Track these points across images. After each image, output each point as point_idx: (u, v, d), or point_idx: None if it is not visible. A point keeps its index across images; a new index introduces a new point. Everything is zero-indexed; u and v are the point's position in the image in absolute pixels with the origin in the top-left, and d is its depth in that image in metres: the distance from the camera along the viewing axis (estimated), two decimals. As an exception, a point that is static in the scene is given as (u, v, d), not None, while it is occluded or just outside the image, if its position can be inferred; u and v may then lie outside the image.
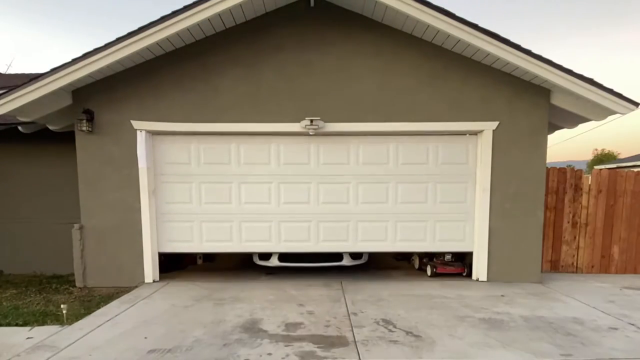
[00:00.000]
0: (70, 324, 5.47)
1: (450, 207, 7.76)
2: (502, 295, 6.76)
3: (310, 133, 7.29)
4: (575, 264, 8.57)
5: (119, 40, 6.48)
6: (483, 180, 7.49)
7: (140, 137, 7.28)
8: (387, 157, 7.71)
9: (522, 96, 7.33)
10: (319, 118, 7.22)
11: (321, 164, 7.71)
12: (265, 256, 8.09)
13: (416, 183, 7.72)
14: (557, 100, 7.28)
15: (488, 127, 7.38)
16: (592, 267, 8.55)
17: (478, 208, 7.61)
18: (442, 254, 8.04)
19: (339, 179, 7.70)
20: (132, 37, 6.46)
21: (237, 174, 7.66)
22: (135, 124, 7.27)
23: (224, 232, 7.77)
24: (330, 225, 7.83)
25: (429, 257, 8.32)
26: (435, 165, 7.69)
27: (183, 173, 7.63)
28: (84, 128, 7.12)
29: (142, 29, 6.44)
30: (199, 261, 9.56)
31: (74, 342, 4.82)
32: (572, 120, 7.89)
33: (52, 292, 7.31)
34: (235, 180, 7.69)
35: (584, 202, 8.42)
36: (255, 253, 8.16)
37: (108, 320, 5.55)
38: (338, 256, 8.03)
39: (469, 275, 7.86)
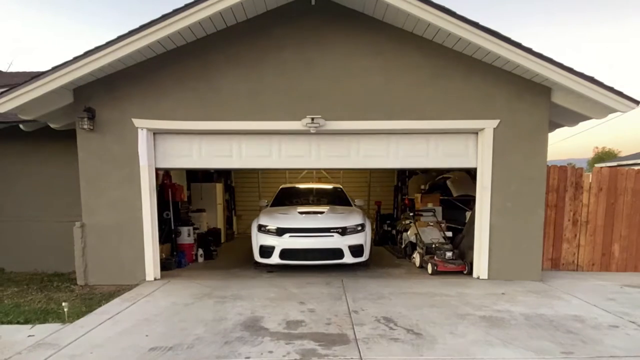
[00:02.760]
0: (71, 322, 5.47)
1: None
2: (503, 293, 6.77)
3: (312, 131, 7.29)
4: (575, 262, 8.57)
5: (121, 38, 6.48)
6: (484, 179, 7.49)
7: (142, 135, 7.28)
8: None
9: (523, 94, 7.32)
10: (320, 116, 7.22)
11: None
12: (266, 254, 8.10)
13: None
14: (557, 98, 7.28)
15: (489, 126, 7.38)
16: (593, 265, 8.55)
17: (479, 206, 7.60)
18: (443, 253, 8.04)
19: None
20: (133, 35, 6.46)
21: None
22: (137, 122, 7.28)
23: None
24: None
25: (430, 255, 8.33)
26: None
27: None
28: (85, 126, 7.12)
29: (143, 27, 6.44)
30: (200, 259, 9.58)
31: (75, 340, 4.83)
32: (573, 118, 7.89)
33: (53, 290, 7.31)
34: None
35: (585, 200, 8.42)
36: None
37: (109, 318, 5.56)
38: (339, 254, 8.05)
39: (470, 273, 7.86)
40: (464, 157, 7.70)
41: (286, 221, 8.29)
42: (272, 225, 8.23)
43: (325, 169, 7.62)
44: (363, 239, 8.24)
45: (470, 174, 8.59)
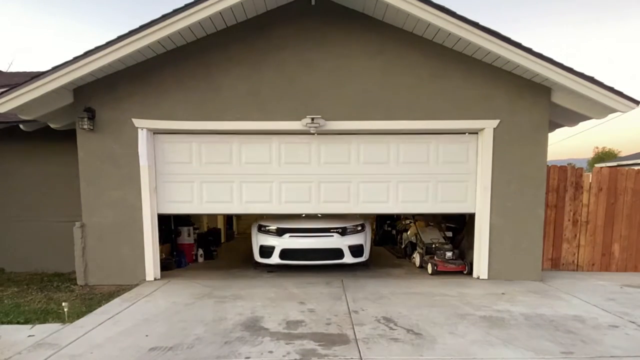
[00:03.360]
0: (71, 322, 5.48)
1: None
2: (503, 293, 6.77)
3: (312, 131, 7.29)
4: (575, 262, 8.57)
5: (121, 38, 6.48)
6: (484, 179, 7.49)
7: (142, 135, 7.28)
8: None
9: (523, 94, 7.32)
10: (320, 116, 7.22)
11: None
12: (267, 254, 8.10)
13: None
14: (557, 98, 7.28)
15: (489, 126, 7.38)
16: (593, 265, 8.55)
17: (479, 206, 7.61)
18: (443, 253, 8.04)
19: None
20: (133, 35, 6.46)
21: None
22: (137, 122, 7.28)
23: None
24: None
25: (430, 255, 8.33)
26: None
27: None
28: (86, 126, 7.12)
29: (143, 27, 6.44)
30: (200, 259, 9.59)
31: (75, 340, 4.83)
32: (573, 118, 7.89)
33: (53, 290, 7.32)
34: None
35: (585, 200, 8.42)
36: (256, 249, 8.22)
37: (109, 318, 5.56)
38: (339, 254, 8.05)
39: (470, 273, 7.86)
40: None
41: (286, 221, 8.29)
42: (272, 225, 8.23)
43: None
44: (363, 239, 8.25)
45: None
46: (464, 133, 7.59)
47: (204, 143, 7.61)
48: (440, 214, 8.82)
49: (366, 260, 8.34)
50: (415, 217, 9.61)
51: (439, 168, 7.69)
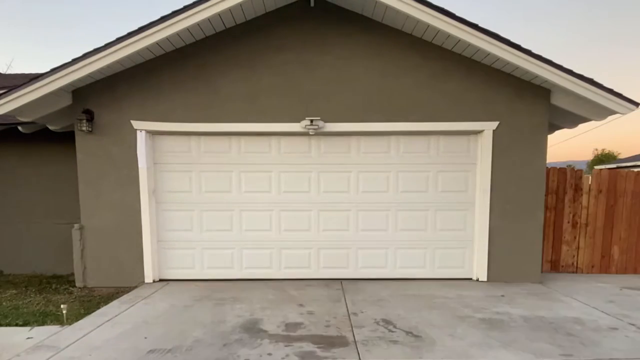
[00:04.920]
0: (70, 324, 5.47)
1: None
2: (502, 296, 6.76)
3: (311, 133, 7.29)
4: (575, 264, 8.56)
5: (119, 40, 6.48)
6: (483, 181, 7.48)
7: (140, 137, 7.28)
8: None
9: (523, 96, 7.32)
10: (319, 118, 7.22)
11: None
12: None
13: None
14: (557, 100, 7.28)
15: (488, 127, 7.38)
16: (593, 267, 8.54)
17: (478, 209, 7.60)
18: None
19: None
20: (132, 37, 6.47)
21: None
22: (136, 124, 7.27)
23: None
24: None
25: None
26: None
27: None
28: (84, 128, 7.12)
29: (142, 29, 6.44)
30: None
31: (74, 342, 4.82)
32: (572, 120, 7.89)
33: (52, 292, 7.31)
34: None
35: (584, 202, 8.41)
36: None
37: (108, 320, 5.55)
38: None
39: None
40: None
41: None
42: None
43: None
44: None
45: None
46: (464, 135, 7.57)
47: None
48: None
49: None
50: None
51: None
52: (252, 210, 7.73)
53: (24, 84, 6.53)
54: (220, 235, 7.76)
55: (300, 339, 4.92)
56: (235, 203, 7.71)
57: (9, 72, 17.44)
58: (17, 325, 5.60)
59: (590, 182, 8.42)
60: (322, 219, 7.78)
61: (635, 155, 25.35)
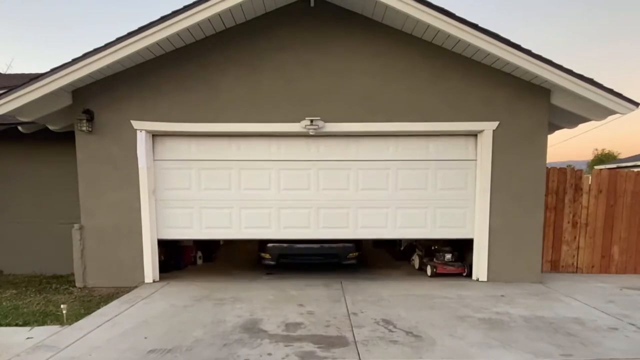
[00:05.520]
0: (70, 324, 5.47)
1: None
2: (502, 296, 6.76)
3: (311, 133, 7.29)
4: (575, 264, 8.56)
5: (119, 40, 6.48)
6: (483, 181, 7.48)
7: (140, 137, 7.28)
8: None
9: (523, 96, 7.32)
10: (319, 118, 7.22)
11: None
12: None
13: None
14: (557, 100, 7.28)
15: (488, 127, 7.38)
16: (592, 267, 8.54)
17: (478, 208, 7.60)
18: (443, 255, 8.03)
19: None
20: (132, 37, 6.47)
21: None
22: (135, 124, 7.27)
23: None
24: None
25: (429, 257, 8.32)
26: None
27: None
28: (84, 128, 7.12)
29: (142, 29, 6.44)
30: (199, 261, 9.57)
31: (74, 342, 4.82)
32: (572, 120, 7.89)
33: (52, 292, 7.31)
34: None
35: (584, 202, 8.41)
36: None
37: (108, 320, 5.55)
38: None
39: (469, 275, 7.85)
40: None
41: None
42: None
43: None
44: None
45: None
46: (464, 135, 7.57)
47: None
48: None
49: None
50: None
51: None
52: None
53: (24, 84, 6.52)
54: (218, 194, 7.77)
55: (300, 339, 4.92)
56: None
57: (9, 72, 17.43)
58: (17, 325, 5.60)
59: (590, 182, 8.42)
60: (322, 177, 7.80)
61: (635, 155, 25.35)
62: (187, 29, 6.62)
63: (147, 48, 6.71)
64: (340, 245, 8.22)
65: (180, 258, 8.97)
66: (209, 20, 6.59)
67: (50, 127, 7.66)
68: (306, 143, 7.66)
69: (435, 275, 7.96)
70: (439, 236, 7.93)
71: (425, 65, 7.33)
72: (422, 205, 7.77)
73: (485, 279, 7.62)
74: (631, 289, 7.29)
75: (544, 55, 6.60)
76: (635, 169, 9.19)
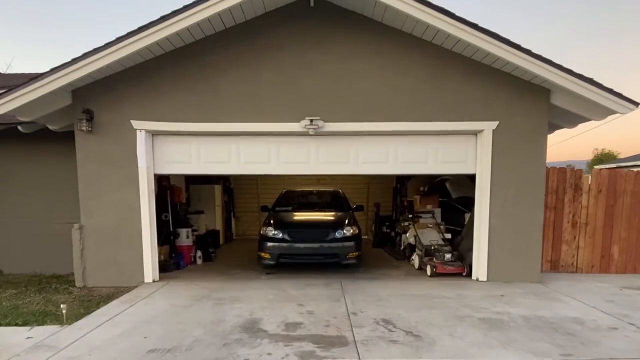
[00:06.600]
0: (70, 324, 5.46)
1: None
2: (502, 295, 6.75)
3: (311, 133, 7.29)
4: (575, 264, 8.56)
5: (119, 40, 6.48)
6: (483, 181, 7.48)
7: (140, 137, 7.28)
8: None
9: (523, 96, 7.32)
10: (319, 118, 7.22)
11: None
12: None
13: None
14: (557, 100, 7.28)
15: (488, 127, 7.37)
16: (593, 267, 8.54)
17: (478, 208, 7.59)
18: (443, 255, 8.03)
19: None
20: (132, 37, 6.46)
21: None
22: (135, 124, 7.27)
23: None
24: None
25: (429, 257, 8.32)
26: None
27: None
28: (84, 128, 7.12)
29: (142, 29, 6.44)
30: (199, 261, 9.57)
31: (73, 342, 4.82)
32: (572, 120, 7.89)
33: (52, 292, 7.30)
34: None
35: (584, 202, 8.41)
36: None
37: (108, 320, 5.55)
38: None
39: (469, 275, 7.84)
40: (464, 163, 7.71)
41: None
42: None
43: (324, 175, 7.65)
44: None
45: (469, 177, 8.58)
46: (464, 134, 7.57)
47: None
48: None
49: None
50: (414, 218, 9.60)
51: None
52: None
53: (24, 84, 6.52)
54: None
55: (300, 338, 4.92)
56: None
57: (9, 72, 17.40)
58: (17, 325, 5.59)
59: (590, 182, 8.41)
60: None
61: (635, 155, 25.35)
62: (187, 29, 6.62)
63: (147, 48, 6.71)
64: (340, 245, 8.24)
65: (180, 258, 8.98)
66: (209, 20, 6.59)
67: (50, 127, 7.66)
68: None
69: (435, 275, 7.95)
70: None
71: (425, 65, 7.33)
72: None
73: (485, 279, 7.62)
74: (631, 289, 7.29)
75: (544, 55, 6.61)
76: (635, 169, 9.19)
